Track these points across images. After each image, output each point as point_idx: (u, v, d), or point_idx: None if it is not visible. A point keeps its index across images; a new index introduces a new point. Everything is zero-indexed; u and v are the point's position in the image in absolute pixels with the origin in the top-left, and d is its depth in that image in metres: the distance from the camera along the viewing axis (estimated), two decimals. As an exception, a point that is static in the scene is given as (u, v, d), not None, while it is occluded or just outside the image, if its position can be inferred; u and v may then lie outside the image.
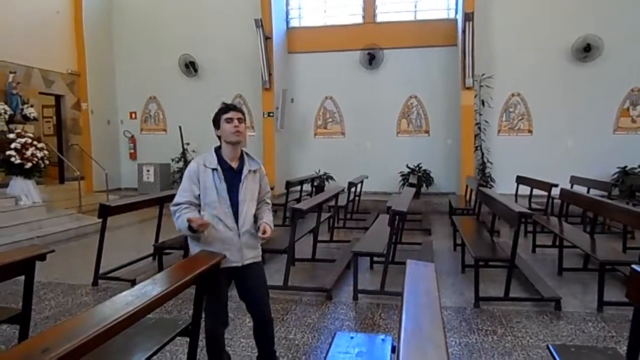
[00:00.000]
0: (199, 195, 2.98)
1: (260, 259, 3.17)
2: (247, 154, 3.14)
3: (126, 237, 8.79)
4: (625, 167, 10.95)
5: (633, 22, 11.00)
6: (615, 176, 11.00)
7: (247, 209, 3.03)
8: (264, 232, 3.03)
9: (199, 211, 2.97)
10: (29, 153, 8.62)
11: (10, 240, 7.21)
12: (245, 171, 3.04)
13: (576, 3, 11.27)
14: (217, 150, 3.08)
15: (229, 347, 3.75)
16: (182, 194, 2.99)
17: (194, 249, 3.05)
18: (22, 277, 3.17)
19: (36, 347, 1.58)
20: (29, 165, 8.62)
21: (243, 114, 3.10)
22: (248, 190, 3.04)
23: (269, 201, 3.27)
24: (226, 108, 3.05)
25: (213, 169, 2.98)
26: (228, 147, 3.03)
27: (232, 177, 3.01)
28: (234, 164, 3.05)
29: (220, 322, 3.06)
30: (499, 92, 11.77)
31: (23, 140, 8.65)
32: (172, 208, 3.00)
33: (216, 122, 3.06)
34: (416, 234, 8.29)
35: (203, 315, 3.03)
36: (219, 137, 3.07)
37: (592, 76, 11.28)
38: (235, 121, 3.00)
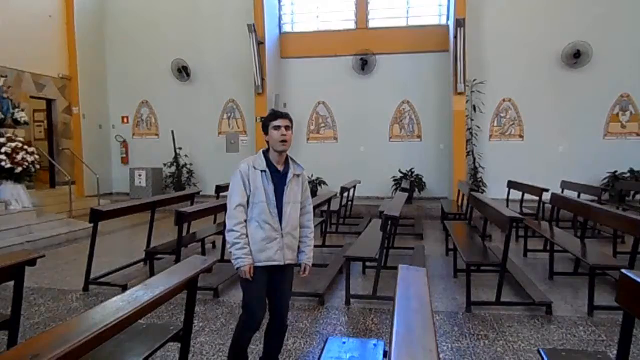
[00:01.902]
0: (249, 195, 3.06)
1: (295, 261, 3.25)
2: (291, 158, 3.23)
3: (117, 242, 8.74)
4: (615, 171, 11.06)
5: (621, 29, 11.15)
6: (605, 181, 11.11)
7: (291, 210, 3.13)
8: (304, 271, 3.28)
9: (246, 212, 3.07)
10: (19, 157, 8.56)
11: (0, 245, 7.13)
12: (290, 175, 3.14)
13: (566, 10, 11.40)
14: (265, 152, 3.17)
15: (225, 348, 3.74)
16: (238, 194, 3.05)
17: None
18: (12, 283, 3.13)
19: (25, 353, 1.56)
20: (19, 169, 8.56)
21: (291, 120, 3.17)
22: (292, 193, 3.15)
23: (310, 209, 3.35)
24: (275, 115, 3.13)
25: (262, 171, 3.08)
26: (275, 152, 3.12)
27: (278, 179, 3.12)
28: (280, 167, 3.15)
29: (254, 324, 3.11)
30: (490, 98, 11.86)
31: (13, 144, 8.59)
32: (233, 212, 3.02)
33: (265, 127, 3.13)
34: (408, 239, 8.31)
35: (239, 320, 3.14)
36: (267, 142, 3.14)
37: (582, 82, 11.41)
38: (283, 129, 3.08)
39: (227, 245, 3.08)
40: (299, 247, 3.25)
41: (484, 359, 3.65)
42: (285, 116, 3.13)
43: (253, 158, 3.14)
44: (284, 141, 3.07)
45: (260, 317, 3.12)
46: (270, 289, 3.17)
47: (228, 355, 3.20)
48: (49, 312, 4.77)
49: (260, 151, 3.18)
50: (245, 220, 3.05)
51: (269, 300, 3.20)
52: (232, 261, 3.03)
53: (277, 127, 3.06)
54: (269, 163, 3.11)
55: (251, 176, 3.06)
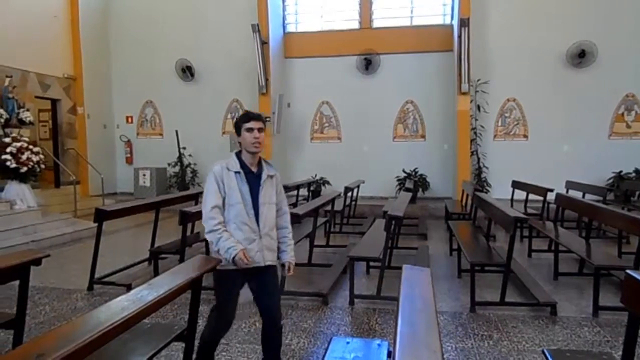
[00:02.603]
0: (224, 197, 3.05)
1: (276, 262, 3.24)
2: (264, 160, 3.24)
3: (122, 241, 8.76)
4: (621, 172, 11.01)
5: (627, 28, 11.09)
6: (611, 181, 11.06)
7: (267, 211, 3.13)
8: (289, 269, 3.26)
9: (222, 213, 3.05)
10: (24, 157, 8.60)
11: (5, 245, 7.17)
12: (264, 176, 3.14)
13: (570, 9, 11.36)
14: (238, 154, 3.16)
15: (225, 352, 3.75)
16: (212, 196, 3.04)
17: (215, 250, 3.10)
18: (17, 282, 3.15)
19: (31, 352, 1.57)
20: (24, 169, 8.60)
21: (264, 122, 3.16)
22: (267, 194, 3.14)
23: (287, 210, 3.36)
24: (247, 117, 3.11)
25: (236, 172, 3.07)
26: (248, 154, 3.11)
27: (253, 180, 3.11)
28: (254, 169, 3.15)
29: (224, 325, 3.11)
30: (494, 97, 11.83)
31: (19, 144, 8.63)
32: (207, 213, 3.01)
33: (238, 129, 3.12)
34: (412, 239, 8.30)
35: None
36: (240, 143, 3.13)
37: (587, 82, 11.36)
38: (256, 131, 3.06)
39: (212, 246, 3.05)
40: (278, 247, 3.24)
41: (488, 359, 3.64)
42: (258, 118, 3.11)
43: (227, 160, 3.12)
44: (257, 143, 3.06)
45: (231, 319, 3.11)
46: (256, 292, 3.17)
47: (196, 357, 3.12)
48: (53, 312, 4.79)
49: (234, 153, 3.16)
50: (223, 222, 3.03)
51: (258, 303, 3.18)
52: (224, 256, 2.97)
53: (250, 130, 3.04)
54: (242, 164, 3.10)
55: (225, 178, 3.05)
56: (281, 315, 3.24)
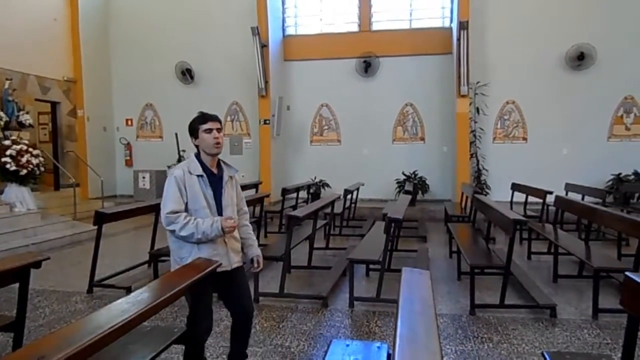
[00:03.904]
0: (187, 202, 2.97)
1: (242, 263, 3.23)
2: (222, 160, 3.19)
3: (121, 244, 8.76)
4: (620, 174, 11.02)
5: (626, 31, 11.11)
6: (610, 183, 11.07)
7: (231, 213, 3.09)
8: (258, 265, 3.30)
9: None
10: (24, 160, 8.60)
11: (5, 248, 7.17)
12: (225, 177, 3.10)
13: (569, 12, 11.38)
14: (197, 157, 3.09)
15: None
16: (174, 200, 2.92)
17: (183, 256, 2.99)
18: (17, 285, 3.15)
19: (30, 355, 1.57)
20: (24, 172, 8.59)
21: (220, 122, 3.12)
22: (229, 196, 3.11)
23: (246, 209, 3.37)
24: (204, 118, 3.05)
25: (199, 176, 3.01)
26: (208, 156, 3.06)
27: (215, 183, 3.06)
28: (215, 171, 3.10)
29: (205, 328, 3.08)
30: (493, 100, 11.84)
31: (18, 147, 8.63)
32: (170, 217, 2.90)
33: (194, 132, 3.05)
34: (412, 241, 8.30)
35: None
36: (197, 146, 3.08)
37: (586, 84, 11.38)
38: (215, 132, 3.01)
39: (177, 252, 2.97)
40: (242, 247, 3.25)
41: (488, 362, 3.65)
42: (216, 118, 3.07)
43: (187, 163, 3.05)
44: (217, 144, 3.01)
45: (210, 325, 3.11)
46: (223, 294, 3.17)
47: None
48: (53, 315, 4.79)
49: (192, 155, 3.09)
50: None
51: (231, 306, 3.18)
52: (212, 234, 2.89)
53: (209, 130, 2.99)
54: (204, 167, 3.04)
55: (187, 182, 2.96)
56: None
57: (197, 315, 3.02)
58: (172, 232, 2.94)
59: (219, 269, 2.95)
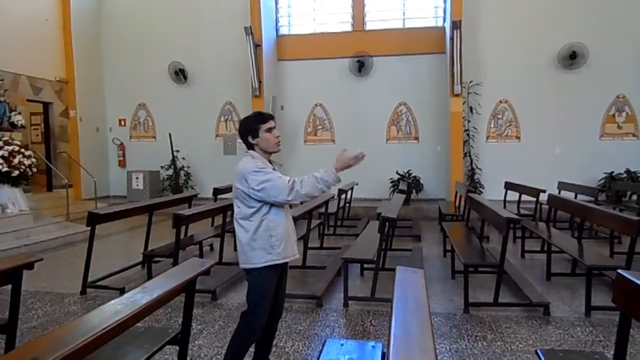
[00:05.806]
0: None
1: None
2: (270, 159, 3.24)
3: (115, 245, 8.72)
4: (612, 172, 11.10)
5: (617, 30, 11.19)
6: (602, 182, 11.15)
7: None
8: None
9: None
10: (16, 161, 8.54)
11: (-3, 249, 7.12)
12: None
13: (562, 11, 11.44)
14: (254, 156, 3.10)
15: (223, 351, 3.73)
16: (278, 175, 2.94)
17: (274, 245, 3.00)
18: (9, 287, 3.13)
19: (23, 357, 1.57)
20: (16, 173, 8.53)
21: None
22: None
23: None
24: (264, 117, 3.10)
25: (273, 169, 3.07)
26: (266, 154, 3.11)
27: None
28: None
29: (259, 328, 3.06)
30: (487, 99, 11.89)
31: (10, 147, 8.57)
32: (287, 186, 2.90)
33: (254, 131, 3.05)
34: (406, 241, 8.32)
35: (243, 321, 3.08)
36: (252, 145, 3.07)
37: (578, 83, 11.45)
38: (275, 130, 3.08)
39: (316, 190, 2.96)
40: None
41: (482, 360, 3.66)
42: (273, 117, 3.15)
43: (253, 161, 3.02)
44: (279, 142, 3.09)
45: (265, 320, 3.08)
46: (277, 285, 3.17)
47: None
48: (46, 316, 4.76)
49: (252, 154, 3.08)
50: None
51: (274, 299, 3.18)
52: (329, 178, 3.00)
53: (270, 129, 3.05)
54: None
55: None
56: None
57: (260, 308, 3.04)
58: (295, 196, 2.92)
59: (295, 256, 3.11)
